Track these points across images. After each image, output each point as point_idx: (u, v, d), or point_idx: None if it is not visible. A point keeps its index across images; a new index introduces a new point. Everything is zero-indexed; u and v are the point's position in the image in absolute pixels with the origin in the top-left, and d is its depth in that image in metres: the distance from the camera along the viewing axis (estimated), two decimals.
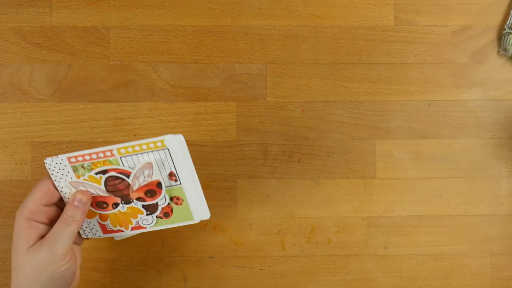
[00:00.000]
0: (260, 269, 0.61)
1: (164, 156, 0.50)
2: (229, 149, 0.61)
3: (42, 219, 0.49)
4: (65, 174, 0.50)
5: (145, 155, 0.49)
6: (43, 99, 0.61)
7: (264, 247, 0.61)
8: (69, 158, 0.49)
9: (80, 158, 0.49)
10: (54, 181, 0.50)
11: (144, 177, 0.50)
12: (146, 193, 0.51)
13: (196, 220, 0.52)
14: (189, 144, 0.61)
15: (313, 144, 0.61)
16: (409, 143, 0.61)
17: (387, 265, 0.61)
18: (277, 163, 0.61)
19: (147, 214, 0.52)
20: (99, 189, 0.51)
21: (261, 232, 0.61)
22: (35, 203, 0.48)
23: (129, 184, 0.50)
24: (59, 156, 0.49)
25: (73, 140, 0.61)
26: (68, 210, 0.49)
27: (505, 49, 0.61)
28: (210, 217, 0.52)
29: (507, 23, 0.61)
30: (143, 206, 0.51)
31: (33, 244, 0.47)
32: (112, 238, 0.60)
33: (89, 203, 0.50)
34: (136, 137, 0.61)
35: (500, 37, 0.61)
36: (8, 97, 0.61)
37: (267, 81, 0.61)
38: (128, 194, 0.51)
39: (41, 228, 0.48)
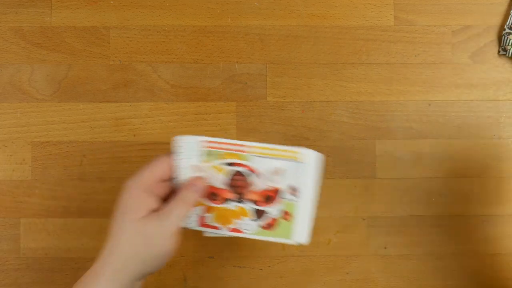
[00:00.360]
0: (260, 269, 0.61)
1: (296, 169, 0.49)
2: None
3: (153, 194, 0.48)
4: (192, 155, 0.49)
5: (276, 161, 0.49)
6: (43, 99, 0.61)
7: (264, 247, 0.61)
8: (206, 142, 0.48)
9: (216, 145, 0.49)
10: (178, 160, 0.49)
11: (270, 182, 0.49)
12: (264, 197, 0.50)
13: (292, 241, 0.51)
14: None
15: (313, 144, 0.61)
16: (409, 143, 0.61)
17: (387, 265, 0.61)
18: None
19: (252, 220, 0.51)
20: (219, 180, 0.49)
21: None
22: (152, 177, 0.48)
23: (249, 183, 0.49)
24: (196, 136, 0.48)
25: (73, 140, 0.61)
26: (184, 192, 0.48)
27: (505, 49, 0.61)
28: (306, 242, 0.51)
29: (507, 23, 0.61)
30: (254, 209, 0.50)
31: (144, 216, 0.46)
32: None
33: (204, 191, 0.49)
34: (136, 137, 0.61)
35: (500, 37, 0.61)
36: (8, 97, 0.61)
37: (267, 81, 0.61)
38: (244, 193, 0.50)
39: (152, 202, 0.47)
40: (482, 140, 0.61)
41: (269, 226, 0.51)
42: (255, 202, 0.50)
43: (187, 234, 0.60)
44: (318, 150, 0.61)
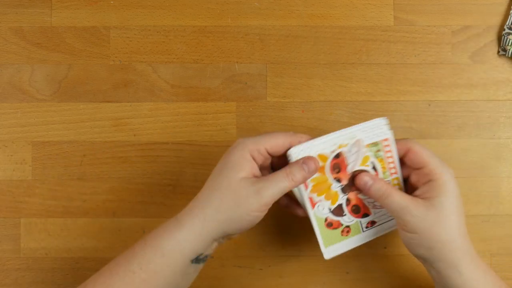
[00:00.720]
0: (260, 269, 0.61)
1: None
2: None
3: (258, 160, 0.48)
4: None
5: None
6: (43, 99, 0.61)
7: (264, 247, 0.61)
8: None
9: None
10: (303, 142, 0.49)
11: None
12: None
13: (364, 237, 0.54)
14: (189, 144, 0.61)
15: None
16: None
17: (387, 265, 0.61)
18: None
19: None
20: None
21: (261, 232, 0.61)
22: (265, 146, 0.48)
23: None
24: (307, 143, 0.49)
25: (73, 140, 0.61)
26: (293, 167, 0.48)
27: (505, 49, 0.61)
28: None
29: (507, 23, 0.61)
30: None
31: (244, 177, 0.47)
32: (115, 237, 0.60)
33: (314, 173, 0.49)
34: (136, 137, 0.61)
35: (500, 37, 0.61)
36: (8, 97, 0.61)
37: (267, 81, 0.61)
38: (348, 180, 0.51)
39: (254, 167, 0.48)
40: (482, 140, 0.61)
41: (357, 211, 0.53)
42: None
43: None
44: None
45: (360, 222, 0.53)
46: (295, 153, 0.48)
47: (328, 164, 0.50)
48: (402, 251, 0.61)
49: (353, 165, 0.51)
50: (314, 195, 0.50)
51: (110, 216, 0.61)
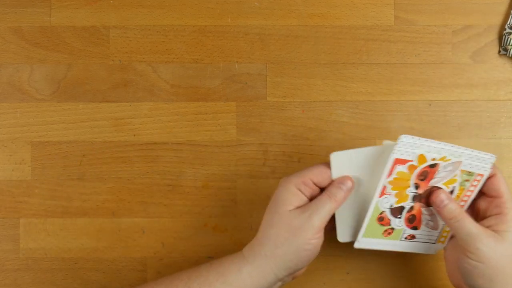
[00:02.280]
0: None
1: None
2: (229, 149, 0.61)
3: (306, 193, 0.50)
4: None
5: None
6: (42, 99, 0.61)
7: None
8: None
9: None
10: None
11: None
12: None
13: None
14: (189, 144, 0.61)
15: (313, 144, 0.61)
16: None
17: (387, 265, 0.61)
18: (277, 163, 0.61)
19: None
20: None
21: None
22: (309, 177, 0.50)
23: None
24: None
25: (73, 140, 0.61)
26: (332, 189, 0.50)
27: (506, 49, 0.60)
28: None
29: (508, 23, 0.61)
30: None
31: (293, 209, 0.49)
32: (115, 237, 0.60)
33: (352, 190, 0.51)
34: (136, 137, 0.61)
35: (501, 37, 0.61)
36: (8, 97, 0.61)
37: (267, 81, 0.61)
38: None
39: (303, 199, 0.50)
40: (482, 140, 0.61)
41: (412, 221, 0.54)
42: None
43: (187, 234, 0.60)
44: (318, 150, 0.61)
45: (404, 231, 0.53)
46: (403, 142, 0.48)
47: (420, 168, 0.50)
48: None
49: (437, 181, 0.51)
50: (389, 187, 0.50)
51: (110, 216, 0.61)
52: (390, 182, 0.50)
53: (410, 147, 0.48)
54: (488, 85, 0.61)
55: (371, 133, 0.61)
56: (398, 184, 0.50)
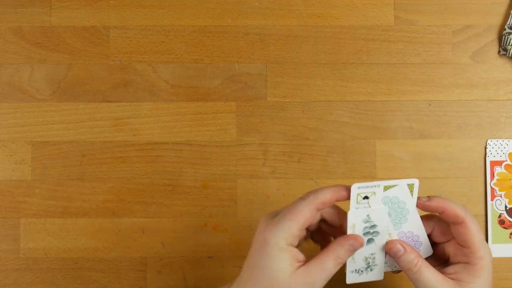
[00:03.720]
0: None
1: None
2: (229, 149, 0.61)
3: (297, 243, 0.46)
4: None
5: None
6: (42, 99, 0.61)
7: None
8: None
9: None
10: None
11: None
12: None
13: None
14: (189, 144, 0.61)
15: (313, 144, 0.61)
16: (409, 143, 0.61)
17: None
18: (277, 163, 0.61)
19: None
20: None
21: None
22: (297, 227, 0.45)
23: None
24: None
25: (73, 140, 0.61)
26: (339, 250, 0.45)
27: (505, 49, 0.60)
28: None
29: (507, 23, 0.61)
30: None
31: (294, 271, 0.44)
32: (115, 237, 0.60)
33: (359, 248, 0.46)
34: (136, 137, 0.61)
35: (501, 37, 0.61)
36: (8, 97, 0.61)
37: (267, 81, 0.61)
38: None
39: (297, 253, 0.45)
40: (482, 140, 0.61)
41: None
42: None
43: (187, 234, 0.60)
44: (318, 150, 0.61)
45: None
46: (490, 145, 0.48)
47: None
48: None
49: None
50: (497, 189, 0.50)
51: (110, 216, 0.61)
52: (495, 185, 0.50)
53: (501, 145, 0.50)
54: (488, 85, 0.61)
55: (371, 133, 0.61)
56: (503, 184, 0.51)
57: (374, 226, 0.46)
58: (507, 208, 0.51)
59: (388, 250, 0.48)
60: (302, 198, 0.46)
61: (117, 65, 0.61)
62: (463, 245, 0.46)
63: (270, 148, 0.61)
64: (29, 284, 0.60)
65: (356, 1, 0.61)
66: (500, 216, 0.51)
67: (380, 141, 0.61)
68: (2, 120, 0.61)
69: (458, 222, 0.46)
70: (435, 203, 0.46)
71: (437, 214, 0.47)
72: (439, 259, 0.49)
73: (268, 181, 0.61)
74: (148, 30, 0.61)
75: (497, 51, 0.61)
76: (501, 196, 0.50)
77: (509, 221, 0.51)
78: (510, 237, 0.52)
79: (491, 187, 0.49)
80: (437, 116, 0.61)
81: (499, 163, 0.49)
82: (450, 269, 0.47)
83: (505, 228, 0.51)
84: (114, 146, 0.61)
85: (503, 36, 0.61)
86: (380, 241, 0.47)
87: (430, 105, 0.61)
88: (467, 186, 0.61)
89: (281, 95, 0.61)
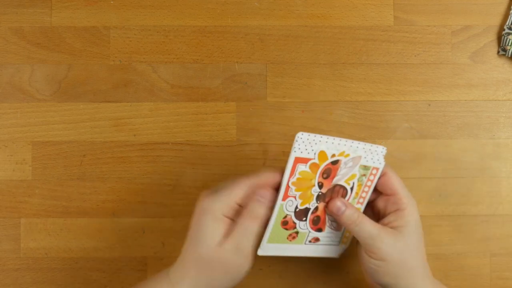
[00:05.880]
0: (260, 269, 0.61)
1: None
2: (229, 149, 0.61)
3: (232, 216, 0.48)
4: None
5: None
6: (43, 99, 0.61)
7: None
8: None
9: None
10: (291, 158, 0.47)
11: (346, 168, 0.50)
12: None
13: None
14: (189, 144, 0.61)
15: None
16: (409, 143, 0.61)
17: None
18: (277, 163, 0.61)
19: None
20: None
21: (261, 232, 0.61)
22: (234, 201, 0.47)
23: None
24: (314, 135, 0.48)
25: (73, 140, 0.61)
26: (251, 206, 0.47)
27: (505, 49, 0.61)
28: None
29: (507, 23, 0.61)
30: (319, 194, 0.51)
31: (220, 242, 0.46)
32: (115, 237, 0.60)
33: (271, 200, 0.48)
34: (136, 137, 0.61)
35: (500, 37, 0.61)
36: (8, 97, 0.61)
37: (267, 81, 0.61)
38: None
39: (228, 223, 0.47)
40: (482, 140, 0.61)
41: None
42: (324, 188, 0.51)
43: (185, 234, 0.60)
44: None
45: (309, 234, 0.53)
46: (301, 139, 0.47)
47: (322, 166, 0.49)
48: None
49: (340, 178, 0.51)
50: (293, 188, 0.49)
51: (110, 216, 0.61)
52: (293, 183, 0.49)
53: (309, 144, 0.48)
54: (487, 85, 0.61)
55: (371, 133, 0.61)
56: (302, 184, 0.49)
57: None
58: (297, 210, 0.50)
59: (331, 209, 0.51)
60: (246, 175, 0.48)
61: (117, 65, 0.61)
62: (390, 194, 0.51)
63: (270, 148, 0.61)
64: (30, 284, 0.60)
65: (355, 2, 0.62)
66: (285, 217, 0.50)
67: (379, 141, 0.61)
68: (2, 120, 0.61)
69: (382, 175, 0.51)
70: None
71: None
72: (374, 216, 0.53)
73: None
74: (148, 30, 0.62)
75: (496, 52, 0.61)
76: (295, 197, 0.50)
77: (293, 222, 0.51)
78: (287, 239, 0.52)
79: (287, 185, 0.49)
80: (437, 116, 0.61)
81: (305, 160, 0.48)
82: (385, 220, 0.51)
83: (286, 229, 0.51)
84: (115, 146, 0.61)
85: (503, 37, 0.61)
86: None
87: (429, 105, 0.61)
88: (467, 186, 0.61)
89: (281, 95, 0.61)
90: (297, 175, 0.48)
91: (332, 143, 0.49)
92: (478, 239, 0.61)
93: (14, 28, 0.62)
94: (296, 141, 0.47)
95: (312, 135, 0.48)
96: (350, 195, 0.52)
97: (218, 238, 0.47)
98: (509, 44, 0.60)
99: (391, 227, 0.50)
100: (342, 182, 0.51)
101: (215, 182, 0.61)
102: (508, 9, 0.61)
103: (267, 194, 0.48)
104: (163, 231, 0.61)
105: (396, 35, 0.62)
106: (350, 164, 0.50)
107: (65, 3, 0.62)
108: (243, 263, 0.47)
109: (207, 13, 0.62)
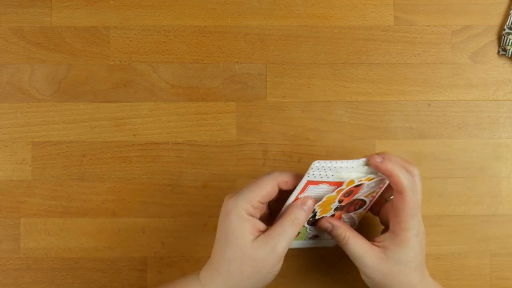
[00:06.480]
0: None
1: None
2: (229, 149, 0.61)
3: (257, 215, 0.49)
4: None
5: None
6: (43, 99, 0.61)
7: None
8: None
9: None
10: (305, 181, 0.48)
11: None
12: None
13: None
14: (189, 144, 0.61)
15: (313, 144, 0.61)
16: (409, 143, 0.61)
17: None
18: (277, 163, 0.61)
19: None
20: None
21: None
22: (257, 200, 0.48)
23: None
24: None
25: (73, 140, 0.61)
26: (295, 212, 0.49)
27: (505, 49, 0.61)
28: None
29: (507, 23, 0.61)
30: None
31: (253, 240, 0.47)
32: (115, 237, 0.60)
33: (312, 209, 0.50)
34: (136, 137, 0.61)
35: (500, 37, 0.61)
36: (8, 97, 0.61)
37: (267, 81, 0.61)
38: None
39: (258, 223, 0.48)
40: (482, 140, 0.61)
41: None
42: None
43: (187, 234, 0.60)
44: (318, 150, 0.61)
45: (310, 232, 0.54)
46: (318, 165, 0.48)
47: (346, 189, 0.50)
48: None
49: (360, 195, 0.52)
50: (317, 207, 0.51)
51: (110, 216, 0.61)
52: (319, 206, 0.51)
53: (323, 170, 0.48)
54: (487, 85, 0.61)
55: (371, 133, 0.61)
56: (325, 205, 0.51)
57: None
58: (312, 219, 0.52)
59: (320, 227, 0.52)
60: (267, 173, 0.50)
61: (117, 65, 0.61)
62: (395, 214, 0.50)
63: (270, 148, 0.61)
64: (30, 284, 0.60)
65: (355, 2, 0.62)
66: None
67: (379, 141, 0.61)
68: (2, 120, 0.61)
69: (398, 191, 0.49)
70: (385, 166, 0.48)
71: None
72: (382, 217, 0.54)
73: None
74: (148, 30, 0.62)
75: (496, 52, 0.61)
76: (316, 211, 0.52)
77: (304, 226, 0.53)
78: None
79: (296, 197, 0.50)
80: (437, 116, 0.61)
81: (316, 183, 0.49)
82: (380, 237, 0.51)
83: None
84: (114, 146, 0.61)
85: (503, 36, 0.61)
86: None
87: (429, 105, 0.61)
88: (467, 186, 0.61)
89: (281, 95, 0.61)
90: (324, 199, 0.50)
91: (346, 167, 0.49)
92: (478, 239, 0.61)
93: (14, 28, 0.62)
94: (311, 169, 0.48)
95: (327, 162, 0.48)
96: (367, 207, 0.54)
97: (247, 236, 0.47)
98: (509, 44, 0.60)
99: (381, 247, 0.50)
100: (362, 197, 0.52)
101: (215, 182, 0.61)
102: (508, 9, 0.61)
103: (311, 205, 0.50)
104: (163, 231, 0.61)
105: (396, 35, 0.62)
106: (373, 185, 0.51)
107: (65, 3, 0.62)
108: (276, 264, 0.48)
109: (207, 13, 0.62)
